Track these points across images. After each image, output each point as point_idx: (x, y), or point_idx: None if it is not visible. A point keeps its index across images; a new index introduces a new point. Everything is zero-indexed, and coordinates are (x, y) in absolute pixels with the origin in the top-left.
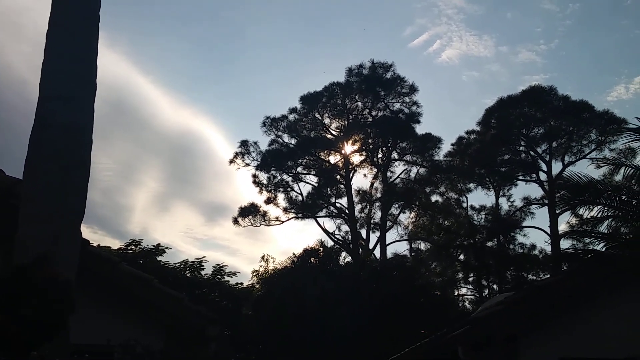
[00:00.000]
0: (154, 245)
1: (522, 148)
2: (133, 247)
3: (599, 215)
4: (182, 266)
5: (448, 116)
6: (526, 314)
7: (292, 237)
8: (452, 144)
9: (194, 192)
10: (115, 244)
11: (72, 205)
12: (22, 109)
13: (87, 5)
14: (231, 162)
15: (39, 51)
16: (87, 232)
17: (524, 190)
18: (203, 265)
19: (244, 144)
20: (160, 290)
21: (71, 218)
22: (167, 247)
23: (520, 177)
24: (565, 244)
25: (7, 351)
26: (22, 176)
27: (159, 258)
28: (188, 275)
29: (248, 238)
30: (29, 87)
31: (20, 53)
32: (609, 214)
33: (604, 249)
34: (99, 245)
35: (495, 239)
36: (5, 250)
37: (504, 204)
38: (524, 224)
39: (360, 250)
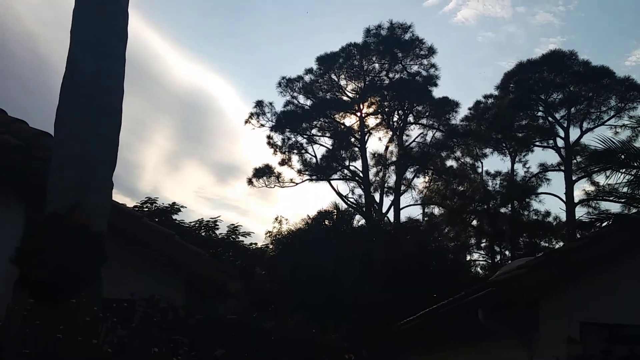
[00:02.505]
0: (169, 204)
1: (540, 113)
2: (149, 205)
3: (622, 180)
4: (197, 225)
5: (463, 77)
6: (549, 277)
7: (304, 199)
8: (470, 108)
9: (205, 151)
10: (127, 201)
11: (102, 154)
12: (30, 62)
13: None
14: (246, 122)
15: (47, 3)
16: None
17: (540, 156)
18: (218, 225)
19: (259, 104)
20: (182, 245)
21: (102, 167)
22: (182, 206)
23: (537, 143)
24: (580, 211)
25: (43, 299)
26: (54, 123)
27: (174, 217)
28: (203, 234)
29: (259, 199)
30: (36, 39)
31: (28, 5)
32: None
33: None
34: None
35: (510, 205)
36: (30, 202)
37: (520, 170)
38: (540, 190)
39: (374, 213)
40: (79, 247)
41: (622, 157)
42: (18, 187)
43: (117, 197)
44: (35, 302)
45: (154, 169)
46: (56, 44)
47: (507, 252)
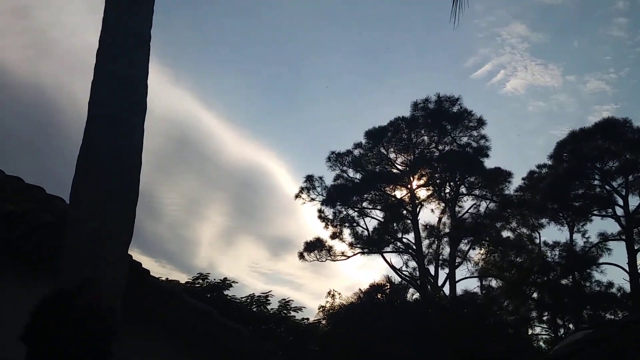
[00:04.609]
0: (220, 280)
1: (596, 182)
2: (200, 280)
3: None
4: (248, 300)
5: (515, 147)
6: (608, 353)
7: (357, 272)
8: (523, 178)
9: (259, 226)
10: (183, 278)
11: (118, 230)
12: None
13: (138, 25)
14: (297, 197)
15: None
16: (156, 266)
17: (599, 225)
18: (269, 300)
19: (309, 179)
20: (220, 322)
21: (117, 241)
22: (233, 281)
23: (596, 212)
24: None
25: None
26: (69, 198)
27: (225, 292)
28: (254, 309)
29: (312, 273)
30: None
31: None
32: None
33: None
34: (167, 278)
35: (571, 277)
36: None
37: (579, 240)
38: (601, 260)
39: (429, 286)
40: (88, 325)
41: None
42: (49, 263)
43: (173, 273)
44: None
45: (209, 245)
46: None
47: (570, 326)
